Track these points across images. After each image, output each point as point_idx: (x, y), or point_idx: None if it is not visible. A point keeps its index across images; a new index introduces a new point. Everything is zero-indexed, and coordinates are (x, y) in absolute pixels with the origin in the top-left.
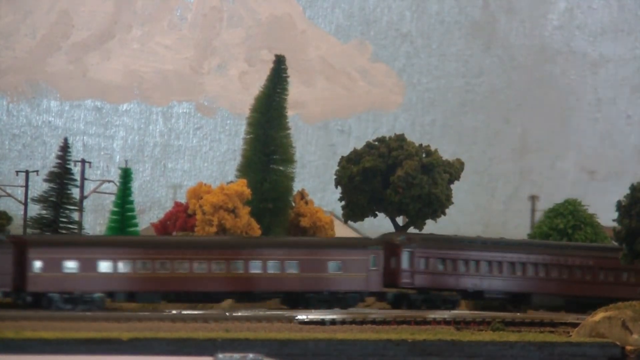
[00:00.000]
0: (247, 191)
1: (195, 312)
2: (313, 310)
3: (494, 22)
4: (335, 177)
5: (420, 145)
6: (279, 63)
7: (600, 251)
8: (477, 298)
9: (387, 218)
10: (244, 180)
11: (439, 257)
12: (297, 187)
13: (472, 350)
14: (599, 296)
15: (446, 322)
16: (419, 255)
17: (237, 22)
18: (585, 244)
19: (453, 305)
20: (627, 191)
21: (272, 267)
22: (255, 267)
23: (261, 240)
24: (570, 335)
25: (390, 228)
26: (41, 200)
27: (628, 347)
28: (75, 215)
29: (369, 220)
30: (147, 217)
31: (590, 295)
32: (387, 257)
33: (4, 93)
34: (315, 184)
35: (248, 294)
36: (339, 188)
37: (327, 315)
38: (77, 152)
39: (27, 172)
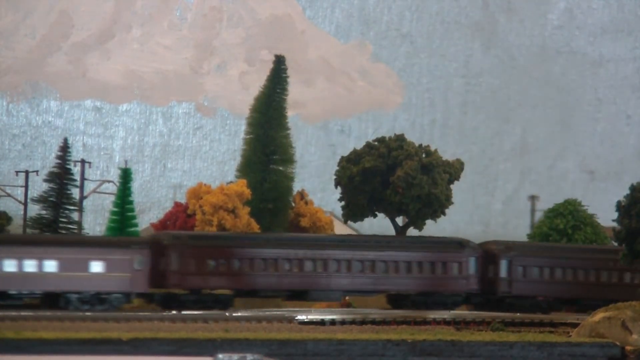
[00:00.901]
0: (247, 191)
1: (195, 312)
2: (313, 311)
3: (494, 22)
4: (335, 177)
5: (420, 145)
6: (279, 63)
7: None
8: None
9: (387, 218)
10: (244, 181)
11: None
12: (297, 187)
13: (472, 351)
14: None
15: (446, 322)
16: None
17: (237, 22)
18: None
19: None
20: (627, 191)
21: (30, 266)
22: (10, 266)
23: (12, 237)
24: (570, 336)
25: (390, 228)
26: (41, 200)
27: (628, 347)
28: (75, 216)
29: (368, 221)
30: (146, 217)
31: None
32: (156, 257)
33: (3, 93)
34: (315, 184)
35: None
36: (339, 188)
37: (327, 316)
38: (76, 152)
39: (26, 172)
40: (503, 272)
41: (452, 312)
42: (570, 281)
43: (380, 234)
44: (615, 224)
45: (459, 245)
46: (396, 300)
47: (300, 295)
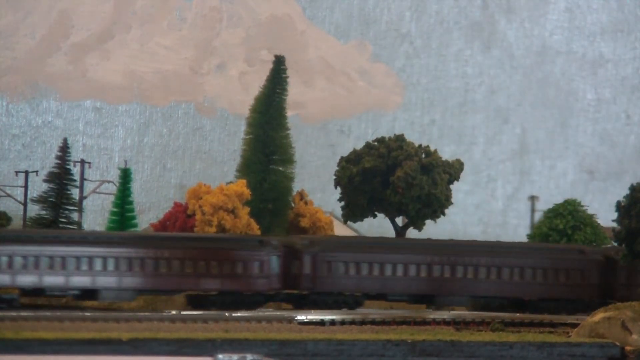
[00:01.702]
0: (247, 192)
1: (195, 312)
2: (313, 311)
3: (494, 22)
4: (334, 177)
5: (420, 145)
6: (279, 63)
7: None
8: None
9: (387, 218)
10: (244, 181)
11: None
12: (296, 187)
13: (472, 351)
14: None
15: (446, 322)
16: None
17: (237, 22)
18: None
19: None
20: (627, 191)
21: None
22: None
23: None
24: (570, 336)
25: (390, 228)
26: (41, 200)
27: (627, 348)
28: (75, 216)
29: (368, 221)
30: (146, 218)
31: None
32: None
33: (3, 93)
34: (315, 185)
35: None
36: (339, 188)
37: (327, 316)
38: (76, 153)
39: (26, 173)
40: (307, 269)
41: (452, 312)
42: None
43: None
44: (615, 224)
45: (259, 243)
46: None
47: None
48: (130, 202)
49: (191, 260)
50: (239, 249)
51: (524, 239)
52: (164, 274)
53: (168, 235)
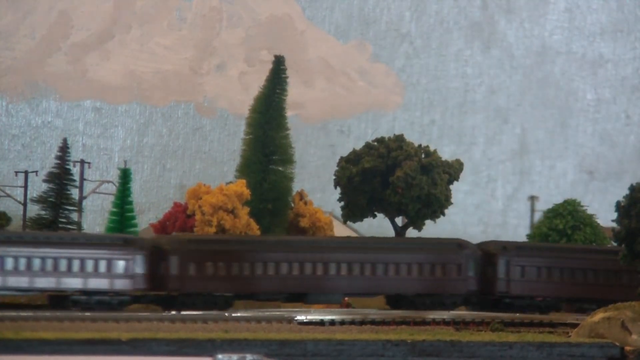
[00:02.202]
0: (247, 192)
1: (195, 312)
2: (312, 311)
3: (493, 22)
4: (334, 177)
5: (420, 145)
6: (278, 63)
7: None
8: None
9: (387, 218)
10: (243, 181)
11: None
12: (296, 187)
13: (471, 351)
14: None
15: (445, 322)
16: None
17: (237, 22)
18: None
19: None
20: (627, 191)
21: None
22: None
23: None
24: (570, 336)
25: (390, 228)
26: (40, 200)
27: (627, 348)
28: (75, 216)
29: (368, 221)
30: (146, 218)
31: None
32: None
33: (3, 93)
34: (315, 185)
35: None
36: (338, 188)
37: (327, 316)
38: (76, 153)
39: (26, 173)
40: (174, 269)
41: (451, 312)
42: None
43: None
44: (614, 224)
45: (124, 242)
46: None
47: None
48: (130, 202)
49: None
50: (102, 247)
51: (524, 239)
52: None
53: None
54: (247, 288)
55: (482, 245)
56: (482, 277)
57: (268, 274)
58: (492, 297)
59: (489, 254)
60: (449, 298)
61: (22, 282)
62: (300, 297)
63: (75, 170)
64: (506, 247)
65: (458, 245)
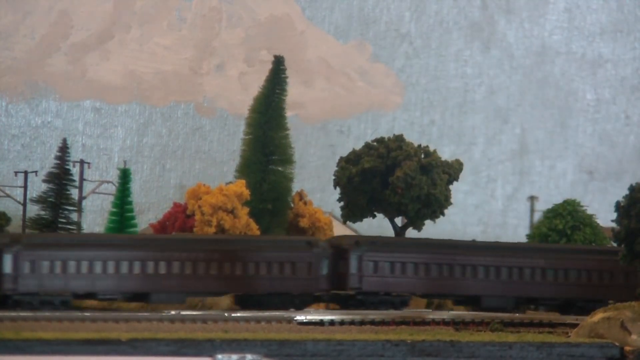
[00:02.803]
0: (246, 192)
1: (194, 312)
2: (312, 311)
3: (493, 22)
4: (334, 177)
5: (419, 145)
6: (278, 63)
7: None
8: None
9: (386, 219)
10: (243, 181)
11: None
12: (296, 187)
13: (471, 351)
14: None
15: (445, 322)
16: None
17: (236, 22)
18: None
19: None
20: (626, 192)
21: None
22: None
23: None
24: (569, 336)
25: (389, 228)
26: (40, 200)
27: (627, 348)
28: (74, 216)
29: (367, 221)
30: (145, 218)
31: None
32: None
33: (2, 93)
34: (314, 185)
35: None
36: (338, 189)
37: (326, 316)
38: (76, 153)
39: (26, 173)
40: (7, 268)
41: (451, 312)
42: None
43: None
44: (614, 225)
45: None
46: None
47: None
48: (130, 203)
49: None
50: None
51: (524, 239)
52: None
53: None
54: (86, 287)
55: (334, 241)
56: (334, 274)
57: (107, 273)
58: (345, 294)
59: (340, 250)
60: (299, 297)
61: None
62: (142, 297)
63: (75, 171)
64: (358, 242)
65: (307, 243)
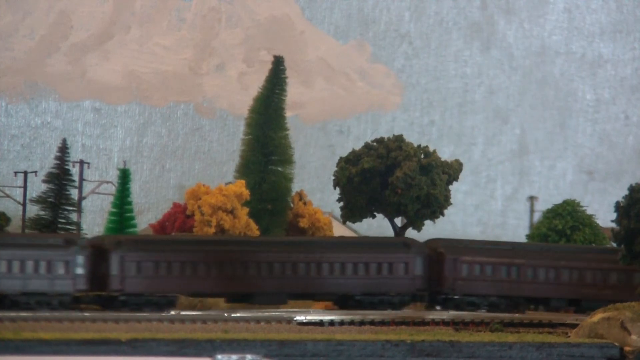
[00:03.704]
0: (246, 192)
1: (194, 312)
2: (312, 311)
3: (493, 22)
4: (333, 177)
5: (419, 146)
6: (278, 64)
7: None
8: None
9: (386, 219)
10: (243, 181)
11: None
12: (295, 187)
13: (471, 351)
14: None
15: (445, 322)
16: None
17: (236, 22)
18: None
19: None
20: (626, 192)
21: None
22: None
23: None
24: (569, 336)
25: (389, 229)
26: (40, 201)
27: (627, 348)
28: (74, 216)
29: (367, 221)
30: (145, 218)
31: None
32: None
33: (2, 94)
34: (314, 185)
35: None
36: (338, 189)
37: (326, 316)
38: (75, 153)
39: (25, 173)
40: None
41: (450, 312)
42: None
43: None
44: (614, 225)
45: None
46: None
47: None
48: (129, 203)
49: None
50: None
51: (524, 239)
52: None
53: None
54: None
55: (95, 241)
56: (95, 275)
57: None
58: (104, 295)
59: (102, 250)
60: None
61: None
62: None
63: (75, 171)
64: (120, 242)
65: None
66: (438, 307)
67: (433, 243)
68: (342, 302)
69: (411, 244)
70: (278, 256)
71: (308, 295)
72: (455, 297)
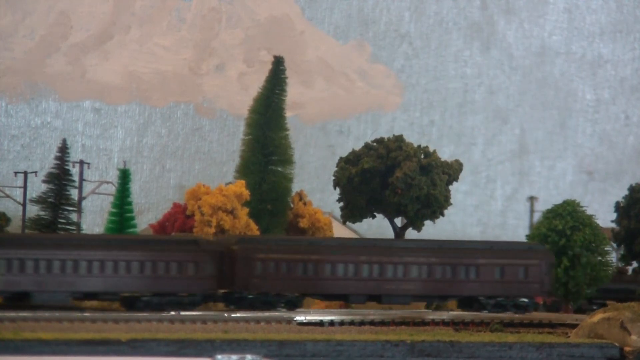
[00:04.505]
0: (246, 192)
1: (194, 313)
2: (311, 311)
3: (493, 22)
4: (333, 178)
5: (419, 146)
6: (278, 64)
7: None
8: None
9: (386, 219)
10: (243, 182)
11: None
12: (295, 188)
13: (471, 351)
14: None
15: (445, 323)
16: None
17: (236, 23)
18: None
19: None
20: (626, 192)
21: None
22: None
23: None
24: (569, 336)
25: (389, 229)
26: (40, 201)
27: (627, 348)
28: (74, 216)
29: (367, 221)
30: (145, 218)
31: None
32: None
33: (2, 94)
34: (314, 185)
35: None
36: (338, 189)
37: (326, 317)
38: (75, 153)
39: (25, 173)
40: None
41: (450, 312)
42: None
43: None
44: (614, 225)
45: None
46: None
47: None
48: (129, 203)
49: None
50: None
51: (524, 240)
52: None
53: None
54: None
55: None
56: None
57: None
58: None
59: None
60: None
61: None
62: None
63: (75, 171)
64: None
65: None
66: (232, 307)
67: (226, 240)
68: (129, 303)
69: (200, 242)
70: None
71: (91, 295)
72: (250, 296)
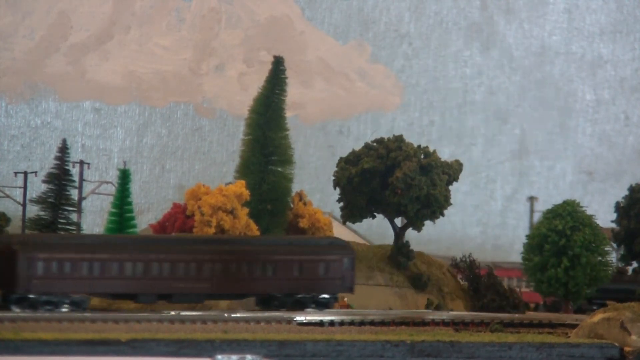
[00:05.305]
0: (246, 192)
1: (194, 313)
2: (311, 312)
3: (493, 23)
4: (333, 178)
5: (419, 146)
6: (278, 64)
7: None
8: None
9: (386, 219)
10: (243, 182)
11: None
12: (295, 188)
13: (471, 351)
14: None
15: (445, 323)
16: None
17: (236, 23)
18: None
19: None
20: (626, 192)
21: None
22: None
23: None
24: (569, 336)
25: (389, 229)
26: (40, 201)
27: (627, 348)
28: (74, 217)
29: (367, 222)
30: (145, 218)
31: None
32: None
33: (2, 94)
34: (314, 185)
35: None
36: (338, 189)
37: (326, 317)
38: (75, 153)
39: (25, 173)
40: None
41: (451, 312)
42: None
43: None
44: (614, 225)
45: None
46: None
47: None
48: (129, 203)
49: None
50: None
51: (523, 240)
52: None
53: None
54: None
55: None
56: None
57: None
58: None
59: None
60: None
61: None
62: None
63: (75, 171)
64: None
65: None
66: (15, 308)
67: (6, 239)
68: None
69: None
70: None
71: None
72: (31, 296)
